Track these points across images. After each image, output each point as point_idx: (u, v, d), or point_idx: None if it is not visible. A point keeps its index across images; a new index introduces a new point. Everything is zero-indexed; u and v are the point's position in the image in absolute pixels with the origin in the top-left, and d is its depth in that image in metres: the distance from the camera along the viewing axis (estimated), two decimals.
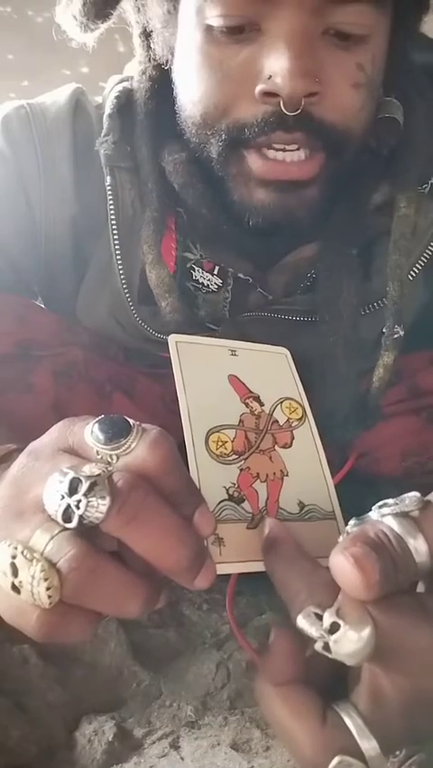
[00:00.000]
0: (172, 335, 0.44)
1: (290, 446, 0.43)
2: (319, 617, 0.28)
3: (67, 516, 0.28)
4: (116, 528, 0.29)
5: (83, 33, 0.55)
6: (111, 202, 0.57)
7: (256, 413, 0.43)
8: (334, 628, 0.28)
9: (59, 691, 0.51)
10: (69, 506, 0.28)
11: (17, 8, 1.68)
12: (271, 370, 0.47)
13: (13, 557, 0.28)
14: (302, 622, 0.29)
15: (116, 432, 0.31)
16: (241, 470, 0.40)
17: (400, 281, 0.56)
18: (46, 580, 0.28)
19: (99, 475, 0.29)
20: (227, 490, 0.38)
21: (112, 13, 0.53)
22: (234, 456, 0.40)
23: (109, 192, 0.57)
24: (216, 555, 0.35)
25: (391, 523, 0.30)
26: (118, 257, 0.58)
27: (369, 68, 0.49)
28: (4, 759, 0.45)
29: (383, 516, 0.31)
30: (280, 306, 0.61)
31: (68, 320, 0.64)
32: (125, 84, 0.60)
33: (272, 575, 0.33)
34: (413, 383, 0.66)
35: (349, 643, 0.28)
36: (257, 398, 0.44)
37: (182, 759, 0.46)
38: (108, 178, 0.57)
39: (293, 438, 0.44)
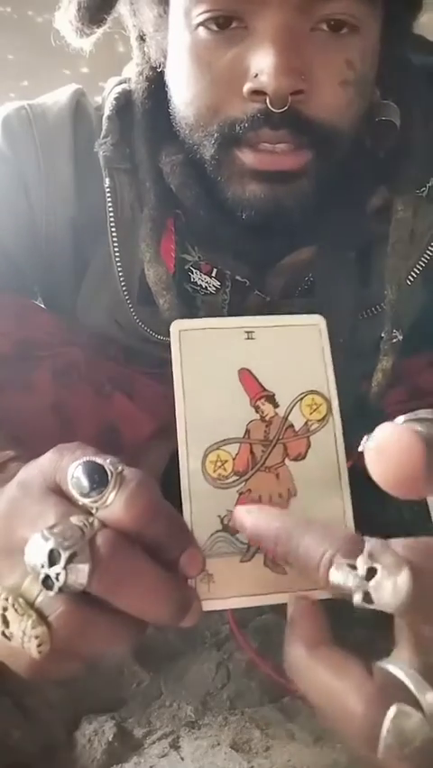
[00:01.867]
0: (176, 321, 0.39)
1: (304, 457, 0.38)
2: (353, 567, 0.27)
3: (48, 585, 0.28)
4: (99, 593, 0.29)
5: (79, 38, 0.55)
6: (110, 203, 0.57)
7: (267, 418, 0.38)
8: (371, 574, 0.27)
9: (59, 691, 0.51)
10: (48, 576, 0.28)
11: (17, 8, 1.68)
12: (296, 353, 0.40)
13: (5, 609, 0.29)
14: (336, 575, 0.27)
15: (94, 482, 0.30)
16: (240, 493, 0.36)
17: (399, 286, 0.56)
18: (37, 637, 0.28)
19: (80, 540, 0.28)
20: (222, 520, 0.35)
21: (106, 19, 0.53)
22: (235, 478, 0.36)
23: (108, 194, 0.57)
24: (204, 592, 0.34)
25: (417, 426, 0.29)
26: (117, 258, 0.58)
27: (358, 65, 0.48)
28: (4, 759, 0.45)
29: (405, 423, 0.30)
30: (279, 308, 0.61)
31: (68, 320, 0.64)
32: (124, 85, 0.60)
33: (289, 544, 0.30)
34: (414, 384, 0.66)
35: (390, 586, 0.26)
36: (271, 398, 0.39)
37: (182, 759, 0.46)
38: (107, 180, 0.57)
39: (309, 447, 0.38)
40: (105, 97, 0.61)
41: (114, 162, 0.57)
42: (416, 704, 0.26)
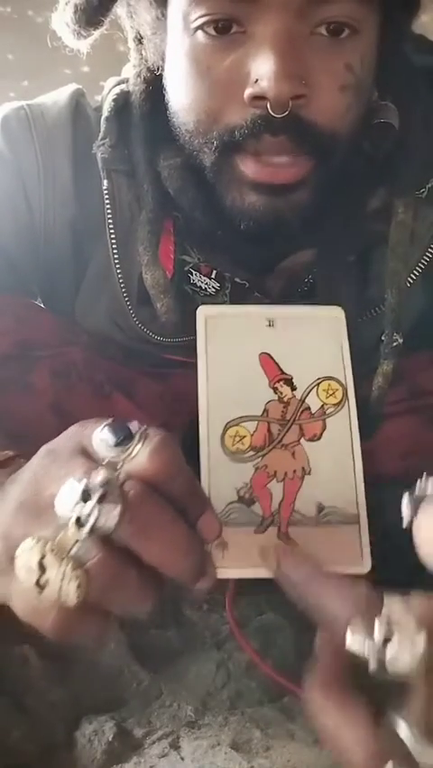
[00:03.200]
0: (201, 308, 0.42)
1: (319, 438, 0.40)
2: (369, 634, 0.28)
3: (79, 524, 0.29)
4: (126, 537, 0.30)
5: (76, 40, 0.54)
6: (108, 205, 0.57)
7: (285, 400, 0.40)
8: (388, 637, 0.27)
9: (59, 691, 0.51)
10: (80, 516, 0.29)
11: (17, 8, 1.68)
12: (315, 341, 0.42)
13: (43, 555, 0.29)
14: (353, 642, 0.28)
15: (120, 438, 0.32)
16: (257, 468, 0.38)
17: (399, 289, 0.56)
18: (77, 578, 0.29)
19: (110, 484, 0.30)
20: (238, 492, 0.37)
21: (103, 21, 0.53)
22: (252, 453, 0.38)
23: (106, 195, 0.57)
24: (218, 559, 0.35)
25: None
26: (116, 260, 0.58)
27: (358, 70, 0.48)
28: (4, 759, 0.45)
29: None
30: None
31: (68, 320, 0.64)
32: (122, 86, 0.60)
33: (299, 596, 0.32)
34: (413, 383, 0.66)
35: (406, 657, 0.27)
36: (289, 381, 0.41)
37: (182, 759, 0.46)
38: (105, 182, 0.57)
39: (324, 429, 0.40)
40: (104, 98, 0.60)
41: (112, 164, 0.57)
42: (414, 760, 0.27)
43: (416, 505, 0.32)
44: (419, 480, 0.32)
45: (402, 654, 0.27)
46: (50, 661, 0.53)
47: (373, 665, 0.28)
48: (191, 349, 0.61)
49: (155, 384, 0.65)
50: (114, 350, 0.66)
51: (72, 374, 0.60)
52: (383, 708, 0.30)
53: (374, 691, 0.31)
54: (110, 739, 0.48)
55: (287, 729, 0.49)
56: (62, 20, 0.53)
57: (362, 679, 0.30)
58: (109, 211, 0.57)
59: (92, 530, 0.29)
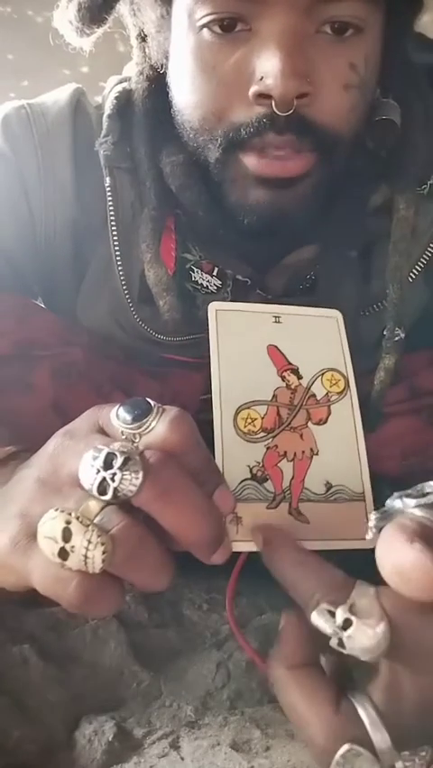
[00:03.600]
0: (213, 303, 0.44)
1: (325, 422, 0.42)
2: (332, 614, 0.29)
3: (102, 488, 0.30)
4: (147, 502, 0.30)
5: (79, 38, 0.55)
6: (110, 202, 0.57)
7: (292, 387, 0.43)
8: (347, 624, 0.29)
9: (59, 691, 0.51)
10: (104, 479, 0.30)
11: (17, 8, 1.68)
12: (317, 338, 0.45)
13: (68, 522, 0.30)
14: (316, 619, 0.29)
15: (138, 412, 0.33)
16: (268, 448, 0.40)
17: (401, 283, 0.56)
18: (103, 544, 0.29)
19: (132, 451, 0.31)
20: (251, 469, 0.39)
21: (107, 18, 0.53)
22: (263, 434, 0.40)
23: (109, 193, 0.57)
24: (233, 533, 0.36)
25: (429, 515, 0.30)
26: (118, 257, 0.58)
27: (362, 69, 0.48)
28: (4, 759, 0.45)
29: (414, 508, 0.31)
30: None
31: (68, 320, 0.64)
32: (124, 84, 0.60)
33: (279, 574, 0.33)
34: (413, 383, 0.66)
35: (363, 638, 0.28)
36: (295, 371, 0.43)
37: (182, 759, 0.46)
38: (108, 179, 0.57)
39: (330, 414, 0.43)
40: (106, 96, 0.61)
41: (114, 161, 0.57)
42: (370, 741, 0.28)
43: (382, 522, 0.32)
44: (390, 497, 0.33)
45: (360, 639, 0.28)
46: (50, 661, 0.53)
47: (333, 642, 0.29)
48: (192, 348, 0.61)
49: (155, 384, 0.65)
50: (114, 349, 0.66)
51: (73, 374, 0.60)
52: (346, 689, 0.31)
53: (339, 672, 0.32)
54: (110, 739, 0.47)
55: (287, 729, 0.49)
56: (65, 17, 0.53)
57: (326, 652, 0.31)
58: (111, 208, 0.57)
59: (115, 495, 0.30)
